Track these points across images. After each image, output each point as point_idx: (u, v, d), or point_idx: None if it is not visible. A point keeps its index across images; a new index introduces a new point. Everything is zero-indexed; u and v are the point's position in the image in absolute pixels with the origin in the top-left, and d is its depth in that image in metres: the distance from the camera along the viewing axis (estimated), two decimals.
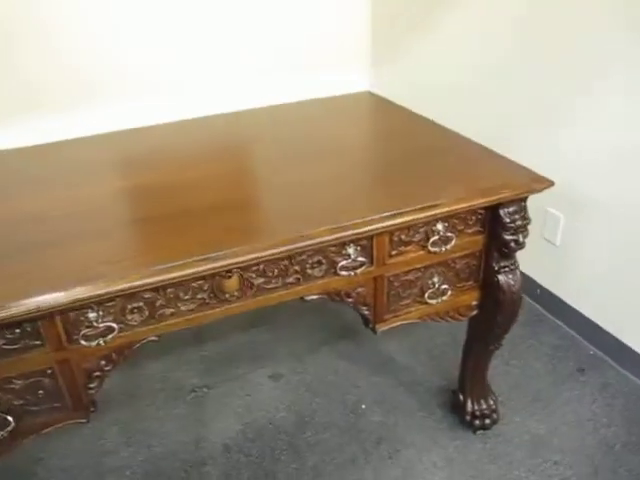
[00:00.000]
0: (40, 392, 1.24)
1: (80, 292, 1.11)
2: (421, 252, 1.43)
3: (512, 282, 1.55)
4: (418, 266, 1.46)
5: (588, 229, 2.03)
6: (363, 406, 1.93)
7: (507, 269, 1.54)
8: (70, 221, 1.35)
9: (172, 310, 1.25)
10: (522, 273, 2.30)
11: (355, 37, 2.59)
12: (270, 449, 1.80)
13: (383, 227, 1.30)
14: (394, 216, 1.30)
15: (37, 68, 2.02)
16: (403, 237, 1.39)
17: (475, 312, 1.62)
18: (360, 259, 1.35)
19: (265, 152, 1.74)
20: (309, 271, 1.33)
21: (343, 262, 1.34)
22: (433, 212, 1.33)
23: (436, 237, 1.42)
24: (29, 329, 1.16)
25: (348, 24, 2.56)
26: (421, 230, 1.40)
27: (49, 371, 1.22)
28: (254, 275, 1.28)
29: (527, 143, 2.13)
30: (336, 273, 1.35)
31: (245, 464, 1.76)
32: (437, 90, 2.46)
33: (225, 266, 1.19)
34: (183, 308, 1.26)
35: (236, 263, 1.20)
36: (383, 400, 1.95)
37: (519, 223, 1.46)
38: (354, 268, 1.36)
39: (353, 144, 1.70)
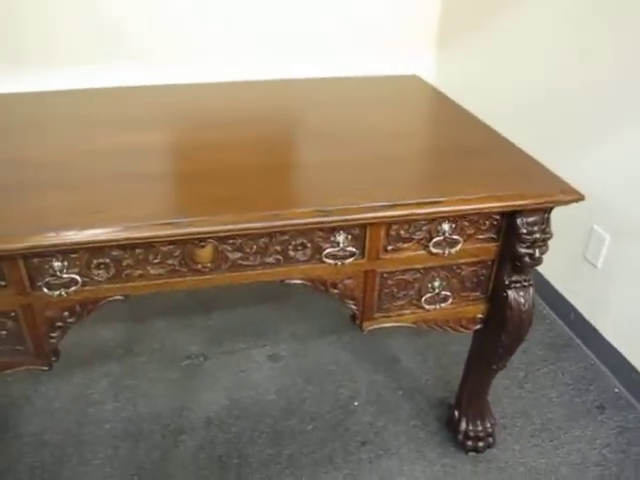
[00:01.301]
0: (3, 332, 1.22)
1: (37, 240, 1.06)
2: (422, 252, 1.31)
3: (522, 300, 1.40)
4: (417, 266, 1.34)
5: (635, 256, 1.83)
6: (356, 403, 1.83)
7: (519, 285, 1.39)
8: (56, 169, 1.31)
9: (140, 272, 1.19)
10: (557, 293, 2.15)
11: (422, 18, 2.45)
12: (250, 430, 1.73)
13: (373, 217, 1.19)
14: (388, 207, 1.19)
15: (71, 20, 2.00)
16: (402, 232, 1.27)
17: (479, 326, 1.48)
18: (350, 249, 1.25)
19: (291, 126, 1.65)
20: (291, 253, 1.24)
21: (330, 249, 1.24)
22: (432, 209, 1.21)
23: (440, 238, 1.29)
24: None
25: (417, 4, 2.43)
26: (424, 228, 1.28)
27: (12, 314, 1.19)
28: (230, 248, 1.20)
29: (584, 153, 1.94)
30: (321, 260, 1.25)
31: (222, 441, 1.70)
32: (492, 84, 2.29)
33: (189, 234, 1.11)
34: (152, 272, 1.20)
35: (200, 233, 1.12)
36: (378, 401, 1.84)
37: (537, 236, 1.31)
38: (342, 258, 1.25)
39: (379, 129, 1.58)
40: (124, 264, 1.18)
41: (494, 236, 1.34)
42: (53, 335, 1.25)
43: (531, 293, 1.41)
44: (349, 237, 1.24)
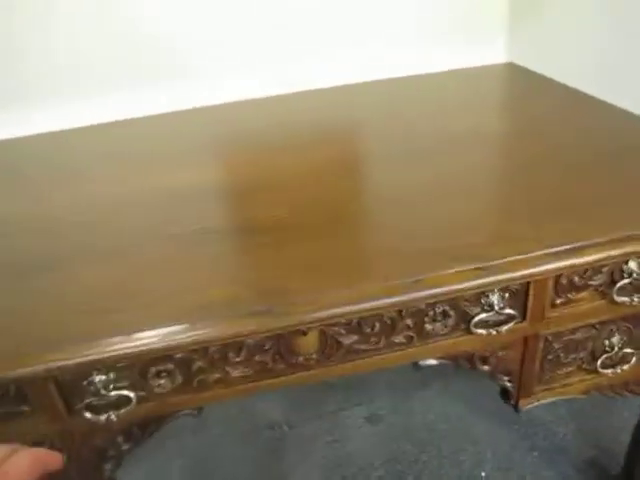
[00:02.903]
0: None
1: (63, 357, 0.68)
2: (600, 301, 0.89)
3: None
4: (592, 321, 0.92)
5: None
6: (483, 474, 1.41)
7: None
8: (83, 231, 0.93)
9: (218, 376, 0.80)
10: None
11: None
12: None
13: (553, 269, 0.77)
14: (568, 253, 0.77)
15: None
16: (576, 279, 0.85)
17: None
18: (507, 311, 0.83)
19: (369, 143, 1.23)
20: (428, 326, 0.83)
21: (481, 315, 0.83)
22: (631, 249, 0.78)
23: (626, 281, 0.86)
24: (12, 392, 0.75)
25: None
26: (604, 270, 0.86)
27: (48, 444, 0.82)
28: (343, 331, 0.80)
29: None
30: (469, 330, 0.84)
31: None
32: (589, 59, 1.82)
33: (287, 327, 0.71)
34: (234, 374, 0.80)
35: (304, 323, 0.72)
36: (510, 468, 1.41)
37: None
38: (497, 324, 0.84)
39: (493, 137, 1.16)
40: (194, 368, 0.78)
41: None
42: (106, 467, 0.86)
43: None
44: (506, 295, 0.83)
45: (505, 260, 0.74)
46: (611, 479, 1.31)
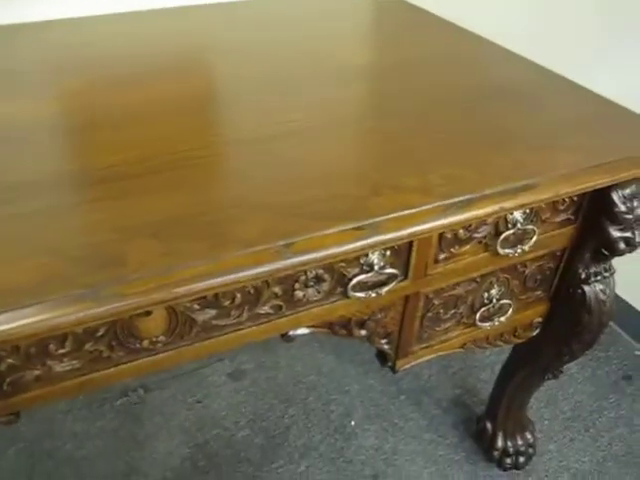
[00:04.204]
0: None
1: None
2: (483, 254, 0.81)
3: (603, 297, 0.94)
4: (474, 275, 0.84)
5: None
6: (352, 422, 1.35)
7: (599, 277, 0.93)
8: None
9: (37, 373, 0.61)
10: None
11: None
12: None
13: (442, 225, 0.65)
14: (461, 206, 0.66)
15: None
16: (461, 233, 0.76)
17: (536, 332, 1.02)
18: (388, 271, 0.71)
19: (232, 70, 1.04)
20: (299, 293, 0.69)
21: (360, 277, 0.70)
22: (525, 200, 0.69)
23: (510, 232, 0.78)
24: None
25: None
26: (489, 221, 0.77)
27: None
28: (197, 306, 0.64)
29: None
30: (346, 294, 0.72)
31: None
32: None
33: (128, 310, 0.54)
34: (59, 368, 0.62)
35: (152, 303, 0.55)
36: (378, 414, 1.36)
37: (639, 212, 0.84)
38: (378, 285, 0.72)
39: (365, 69, 1.02)
40: (2, 367, 0.59)
41: (571, 217, 0.85)
42: None
43: (612, 285, 0.96)
44: (387, 254, 0.71)
45: (389, 217, 0.61)
46: (476, 418, 1.31)
